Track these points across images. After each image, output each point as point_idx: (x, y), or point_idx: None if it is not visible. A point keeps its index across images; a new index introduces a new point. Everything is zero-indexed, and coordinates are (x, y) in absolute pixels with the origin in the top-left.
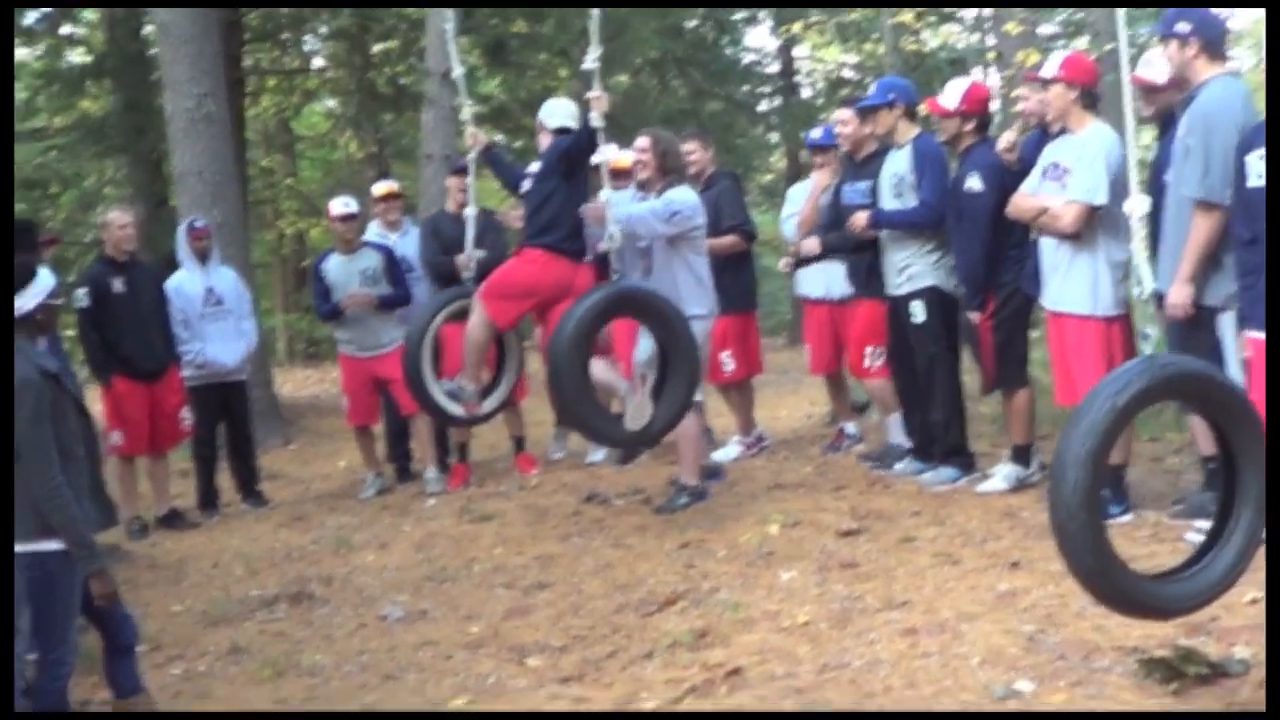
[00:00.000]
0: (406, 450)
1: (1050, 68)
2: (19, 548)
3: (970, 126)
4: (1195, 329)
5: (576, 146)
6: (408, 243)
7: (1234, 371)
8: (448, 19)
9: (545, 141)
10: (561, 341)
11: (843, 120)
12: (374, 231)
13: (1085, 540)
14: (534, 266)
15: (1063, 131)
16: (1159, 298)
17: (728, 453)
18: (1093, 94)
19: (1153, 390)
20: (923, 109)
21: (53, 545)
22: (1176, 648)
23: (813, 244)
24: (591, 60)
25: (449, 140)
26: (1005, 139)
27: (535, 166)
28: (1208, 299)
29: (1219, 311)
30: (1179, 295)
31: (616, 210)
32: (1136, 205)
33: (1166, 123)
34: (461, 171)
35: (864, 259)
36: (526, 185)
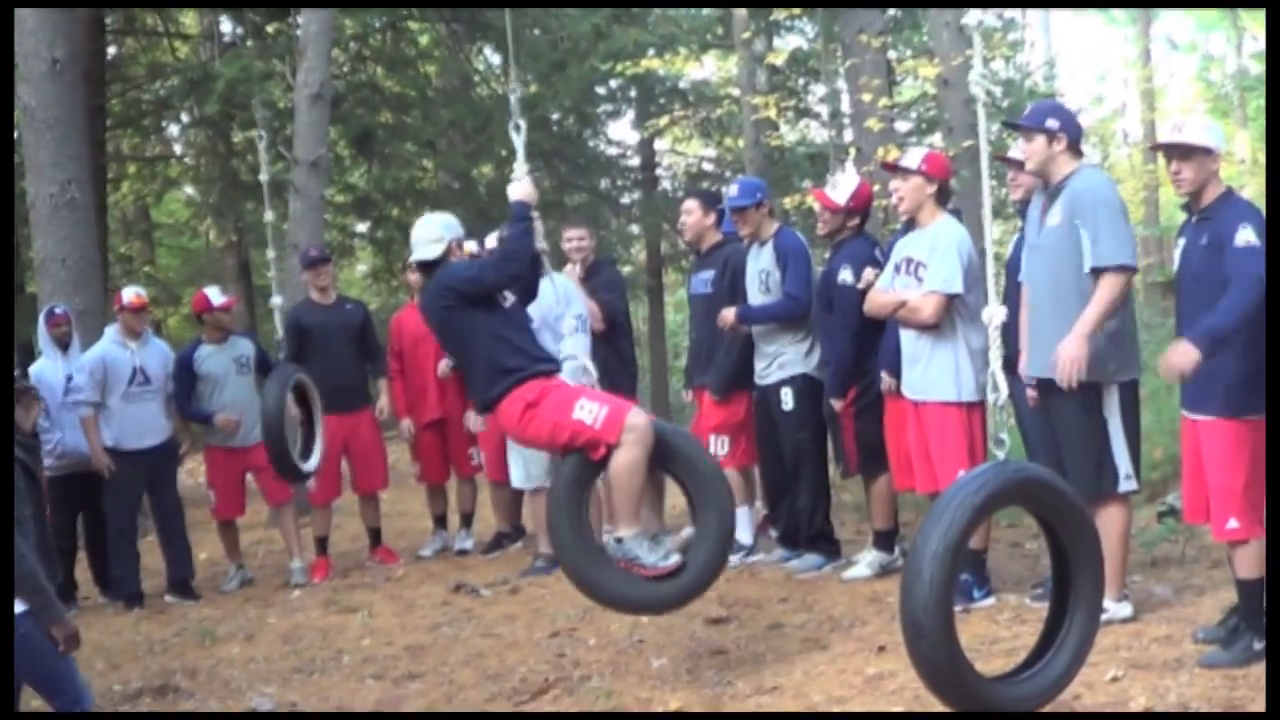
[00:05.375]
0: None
1: (912, 160)
2: None
3: (854, 222)
4: (1083, 407)
5: None
6: (149, 353)
7: (1119, 449)
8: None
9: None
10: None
11: (687, 210)
12: (111, 338)
13: (937, 637)
14: None
15: (909, 227)
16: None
17: None
18: (947, 190)
19: (1004, 493)
20: (811, 200)
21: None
22: None
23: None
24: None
25: (315, 230)
26: (866, 278)
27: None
28: (1094, 374)
29: (1105, 386)
30: (1075, 349)
31: None
32: (995, 314)
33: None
34: (318, 263)
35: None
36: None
